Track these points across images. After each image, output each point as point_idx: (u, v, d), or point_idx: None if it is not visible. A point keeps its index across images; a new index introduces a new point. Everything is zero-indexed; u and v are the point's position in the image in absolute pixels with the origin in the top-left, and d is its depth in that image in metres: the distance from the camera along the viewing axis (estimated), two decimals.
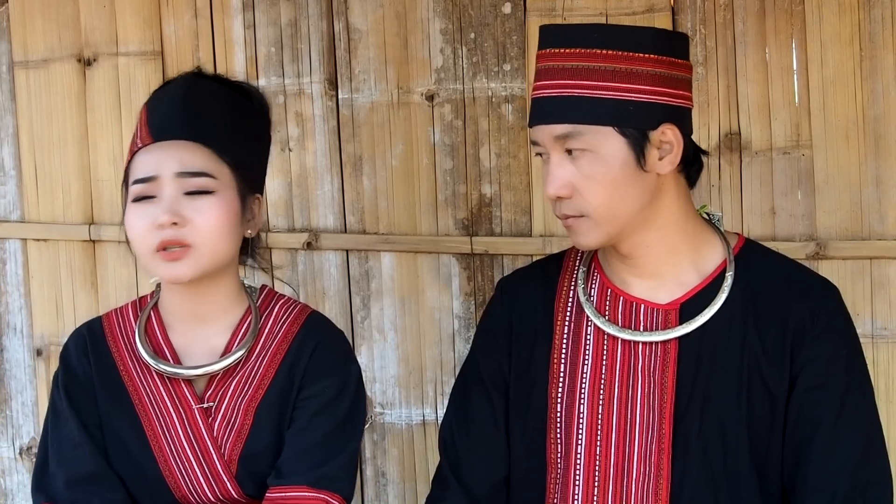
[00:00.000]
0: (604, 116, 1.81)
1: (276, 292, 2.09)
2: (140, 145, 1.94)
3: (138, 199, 1.91)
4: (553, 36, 1.88)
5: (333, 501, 1.91)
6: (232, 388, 1.98)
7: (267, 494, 1.92)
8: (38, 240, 2.98)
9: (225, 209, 1.92)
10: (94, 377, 2.00)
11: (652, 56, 1.82)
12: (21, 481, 3.04)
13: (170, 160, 1.91)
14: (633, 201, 1.84)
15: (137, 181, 1.91)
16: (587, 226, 1.86)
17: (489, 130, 2.71)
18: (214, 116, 1.98)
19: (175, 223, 1.88)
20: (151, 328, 2.02)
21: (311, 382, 1.97)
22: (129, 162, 1.95)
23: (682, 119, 1.86)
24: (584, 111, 1.82)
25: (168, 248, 1.89)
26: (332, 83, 2.78)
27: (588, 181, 1.83)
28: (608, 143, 1.82)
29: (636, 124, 1.82)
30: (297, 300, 2.09)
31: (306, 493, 1.90)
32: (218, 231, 1.91)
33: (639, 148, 1.82)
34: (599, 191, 1.83)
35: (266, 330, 2.01)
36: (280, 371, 1.98)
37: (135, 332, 2.01)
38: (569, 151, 1.84)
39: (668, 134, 1.84)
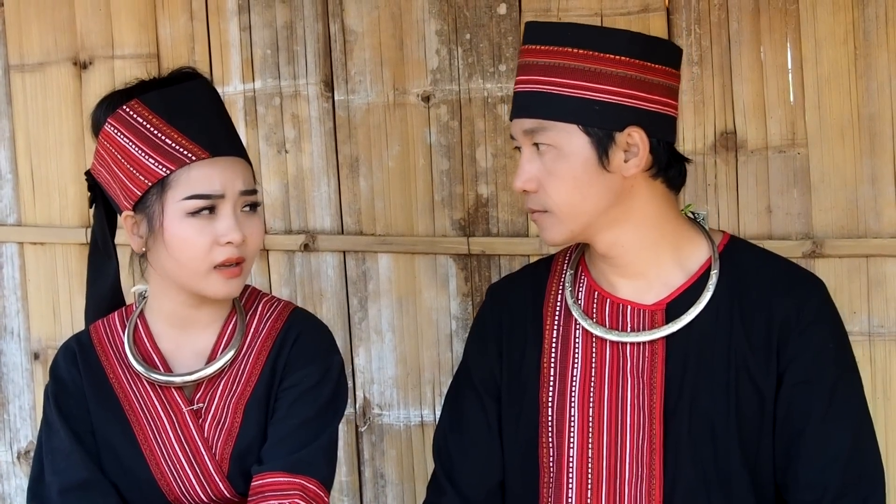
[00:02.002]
0: (568, 114, 1.82)
1: (259, 291, 2.10)
2: (192, 159, 1.91)
3: (194, 213, 1.90)
4: (533, 33, 1.90)
5: (310, 486, 1.91)
6: (220, 388, 1.99)
7: (251, 483, 1.94)
8: (35, 243, 2.99)
9: (264, 224, 1.99)
10: (84, 387, 2.01)
11: (622, 58, 1.82)
12: (19, 485, 3.04)
13: (234, 177, 1.92)
14: (595, 200, 1.84)
15: (199, 196, 1.90)
16: (550, 221, 1.87)
17: (485, 131, 2.71)
18: (233, 128, 2.03)
19: (243, 241, 1.91)
20: (139, 336, 2.03)
21: (291, 372, 1.99)
22: (172, 174, 1.90)
23: (654, 124, 1.85)
24: (550, 107, 1.83)
25: (226, 265, 1.91)
26: (328, 85, 2.78)
27: (551, 177, 1.84)
28: (572, 140, 1.83)
29: (601, 124, 1.82)
30: (280, 298, 2.10)
31: (283, 479, 1.90)
32: (260, 245, 1.98)
33: (602, 148, 1.82)
34: (560, 187, 1.84)
35: (252, 328, 2.02)
36: (265, 367, 2.00)
37: (123, 341, 2.02)
38: (537, 147, 1.85)
39: (633, 136, 1.83)
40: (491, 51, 2.69)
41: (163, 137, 1.92)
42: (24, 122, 2.96)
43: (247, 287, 2.09)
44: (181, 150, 1.91)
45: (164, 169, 1.91)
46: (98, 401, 2.00)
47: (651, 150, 1.85)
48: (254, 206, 1.96)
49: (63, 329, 2.95)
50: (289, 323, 2.03)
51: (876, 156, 2.51)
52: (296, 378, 1.98)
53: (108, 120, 1.95)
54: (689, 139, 2.56)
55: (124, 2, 2.87)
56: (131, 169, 1.93)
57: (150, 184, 1.91)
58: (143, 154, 1.92)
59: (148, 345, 2.02)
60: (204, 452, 1.97)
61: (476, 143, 2.72)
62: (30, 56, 2.95)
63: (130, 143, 1.93)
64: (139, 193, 1.93)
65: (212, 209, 1.91)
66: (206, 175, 1.91)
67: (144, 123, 1.93)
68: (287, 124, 2.81)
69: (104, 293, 2.12)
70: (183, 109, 1.94)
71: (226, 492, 1.97)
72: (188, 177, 1.90)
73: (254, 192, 1.96)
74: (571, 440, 1.91)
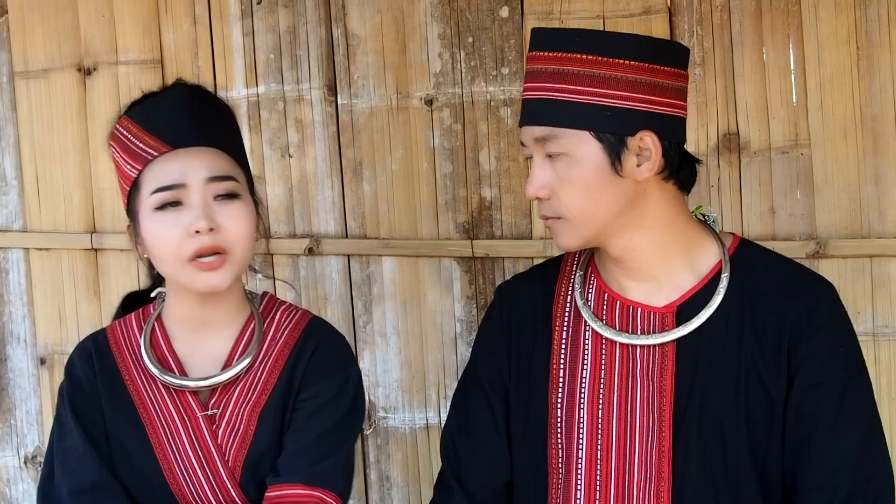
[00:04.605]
0: (580, 120, 1.82)
1: (277, 298, 2.10)
2: (154, 154, 1.91)
3: (162, 207, 1.89)
4: (540, 39, 1.90)
5: (328, 499, 1.91)
6: (236, 395, 1.99)
7: (266, 494, 1.93)
8: (41, 249, 2.99)
9: (251, 213, 1.94)
10: (99, 388, 2.01)
11: (632, 62, 1.82)
12: (26, 490, 3.05)
13: (196, 166, 1.90)
14: (608, 205, 1.85)
15: (161, 189, 1.89)
16: (564, 227, 1.88)
17: (488, 134, 2.71)
18: (220, 123, 2.01)
19: (211, 229, 1.87)
20: (156, 339, 2.03)
21: (310, 384, 1.98)
22: (140, 173, 1.92)
23: (665, 127, 1.85)
24: (562, 114, 1.83)
25: (202, 257, 1.88)
26: (332, 89, 2.79)
27: (564, 184, 1.84)
28: (584, 147, 1.83)
29: (613, 129, 1.82)
30: (298, 306, 2.10)
31: (301, 491, 1.90)
32: (248, 236, 1.93)
33: (615, 153, 1.83)
34: (574, 194, 1.84)
35: (269, 336, 2.02)
36: (282, 377, 1.99)
37: (139, 344, 2.02)
38: (549, 154, 1.86)
39: (646, 141, 1.84)
40: (493, 54, 2.70)
41: (136, 142, 1.94)
42: (29, 129, 2.97)
43: (264, 294, 2.09)
44: (147, 148, 1.93)
45: (134, 170, 1.93)
46: (112, 402, 2.00)
47: (663, 152, 1.85)
48: (231, 195, 1.92)
49: (69, 334, 2.96)
50: (306, 333, 2.02)
51: (879, 156, 2.52)
52: (314, 389, 1.97)
53: (110, 142, 2.01)
54: (692, 140, 2.56)
55: (128, 8, 2.88)
56: (120, 180, 1.99)
57: (128, 188, 1.95)
58: (124, 162, 1.96)
59: (164, 348, 2.02)
60: (217, 459, 1.96)
61: (479, 146, 2.72)
62: (34, 62, 2.95)
63: (119, 157, 1.98)
64: (125, 201, 1.97)
65: (178, 202, 1.89)
66: (167, 168, 1.90)
67: (126, 134, 1.96)
68: (291, 129, 2.82)
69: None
70: (157, 113, 1.96)
71: (237, 499, 1.96)
72: (152, 173, 1.91)
73: (226, 178, 1.92)
74: (580, 442, 1.91)
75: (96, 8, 2.90)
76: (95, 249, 2.94)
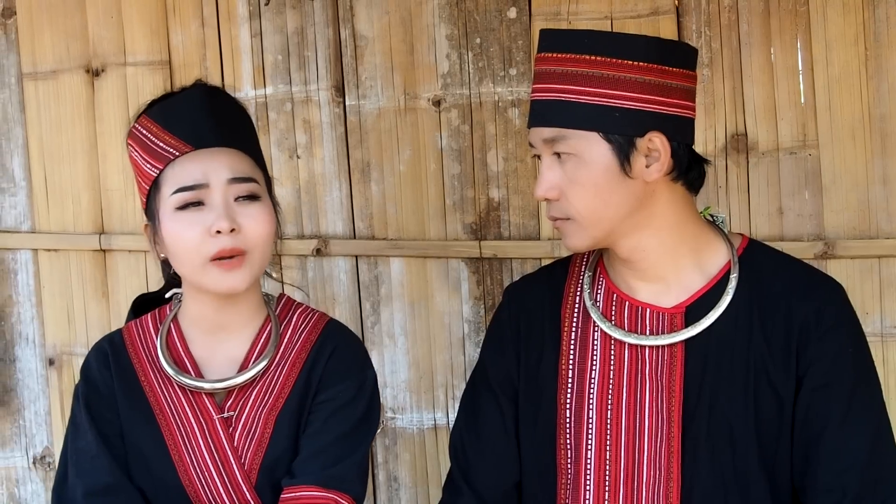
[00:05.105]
0: (588, 121, 1.83)
1: (294, 301, 2.09)
2: (175, 154, 1.92)
3: (183, 207, 1.90)
4: (549, 40, 1.90)
5: (343, 502, 1.92)
6: (252, 398, 1.99)
7: (281, 496, 1.93)
8: (49, 250, 2.99)
9: (271, 215, 1.95)
10: (115, 389, 2.01)
11: (641, 63, 1.83)
12: (35, 490, 3.05)
13: (219, 166, 1.91)
14: (617, 206, 1.85)
15: (183, 189, 1.89)
16: (573, 228, 1.88)
17: (496, 135, 2.72)
18: (239, 124, 2.02)
19: (232, 230, 1.87)
20: (172, 340, 2.03)
21: (326, 387, 1.98)
22: (161, 172, 1.93)
23: (673, 127, 1.86)
24: (570, 116, 1.84)
25: (222, 258, 1.88)
26: (339, 90, 2.79)
27: (572, 185, 1.85)
28: (593, 148, 1.83)
29: (621, 130, 1.83)
30: (314, 308, 2.10)
31: (316, 493, 1.90)
32: (268, 237, 1.93)
33: (623, 154, 1.83)
34: (582, 195, 1.85)
35: (285, 339, 2.02)
36: (299, 379, 1.99)
37: (156, 345, 2.02)
38: (557, 155, 1.86)
39: (655, 142, 1.84)
40: (501, 55, 2.70)
41: (156, 141, 1.95)
42: (38, 130, 2.97)
43: (281, 296, 2.09)
44: (168, 148, 1.93)
45: (154, 170, 1.94)
46: (129, 403, 2.00)
47: (672, 153, 1.86)
48: (252, 197, 1.92)
49: (78, 335, 2.96)
50: (324, 335, 2.02)
51: (887, 156, 2.52)
52: (332, 393, 1.97)
53: (128, 141, 2.01)
54: (700, 141, 2.56)
55: (136, 9, 2.88)
56: (139, 179, 1.99)
57: (148, 188, 1.95)
58: (143, 161, 1.97)
59: (180, 349, 2.02)
60: (233, 461, 1.96)
61: (487, 147, 2.72)
62: (42, 64, 2.96)
63: (138, 156, 1.98)
64: (145, 200, 1.97)
65: (200, 202, 1.90)
66: (189, 168, 1.91)
67: (146, 133, 1.97)
68: (298, 130, 2.82)
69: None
70: (177, 113, 1.96)
71: (252, 502, 1.96)
72: (173, 172, 1.92)
73: (248, 180, 1.92)
74: (589, 442, 1.91)
75: (104, 9, 2.91)
76: (104, 250, 2.94)
